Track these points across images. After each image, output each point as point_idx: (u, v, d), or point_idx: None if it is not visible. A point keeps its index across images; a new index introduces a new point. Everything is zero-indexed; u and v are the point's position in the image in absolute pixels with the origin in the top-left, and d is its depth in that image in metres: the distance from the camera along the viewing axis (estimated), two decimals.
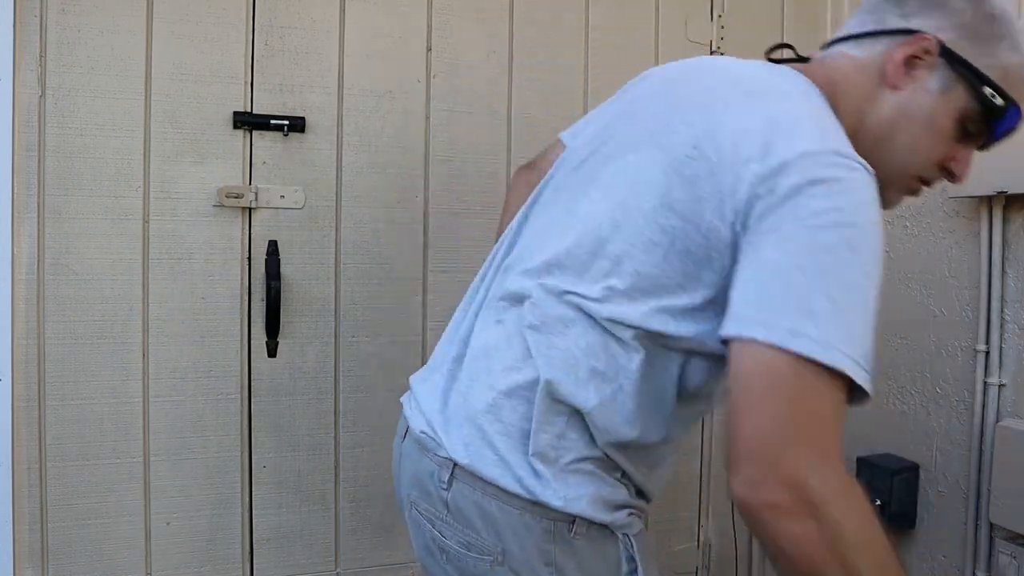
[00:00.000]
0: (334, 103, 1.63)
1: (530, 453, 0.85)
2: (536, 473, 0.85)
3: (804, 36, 2.04)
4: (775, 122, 0.78)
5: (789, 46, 0.99)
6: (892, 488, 1.78)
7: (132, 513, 1.54)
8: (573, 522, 0.86)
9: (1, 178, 1.42)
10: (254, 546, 1.63)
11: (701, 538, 2.02)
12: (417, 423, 0.97)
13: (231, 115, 1.56)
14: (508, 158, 1.77)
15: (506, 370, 0.89)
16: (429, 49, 1.70)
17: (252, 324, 1.60)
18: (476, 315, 0.98)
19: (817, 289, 0.70)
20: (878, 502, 1.80)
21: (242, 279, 1.58)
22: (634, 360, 0.85)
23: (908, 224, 1.86)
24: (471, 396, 0.90)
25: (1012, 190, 1.53)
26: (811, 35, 2.04)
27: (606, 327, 0.85)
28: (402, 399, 1.08)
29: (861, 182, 0.75)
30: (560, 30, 1.81)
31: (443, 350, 1.03)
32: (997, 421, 1.62)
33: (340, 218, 1.65)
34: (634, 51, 1.87)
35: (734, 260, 0.78)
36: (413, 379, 1.06)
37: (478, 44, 1.74)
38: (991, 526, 1.63)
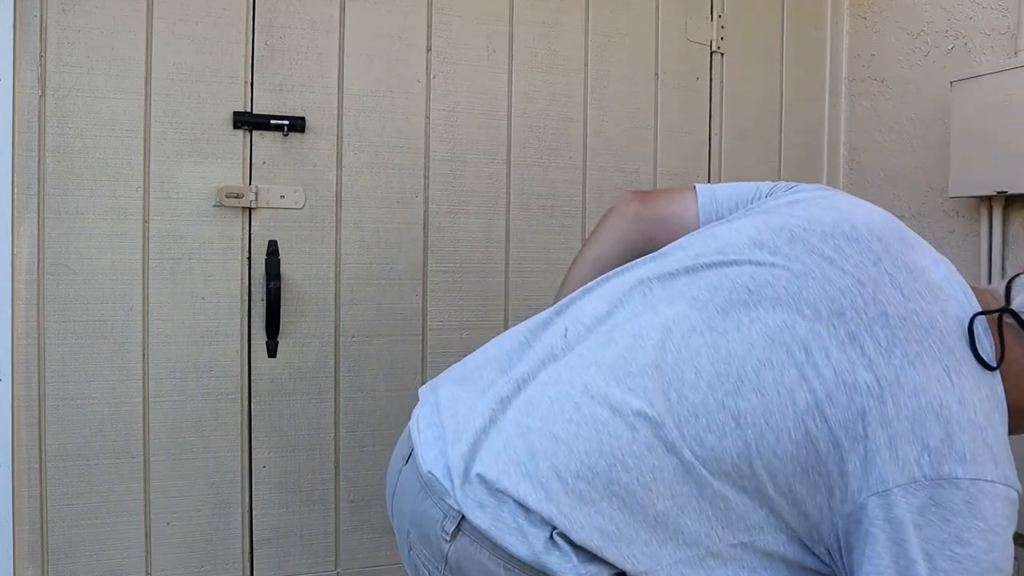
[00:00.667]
0: (334, 103, 1.63)
1: (555, 531, 0.79)
2: (555, 546, 0.79)
3: (804, 36, 2.04)
4: (965, 416, 0.75)
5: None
6: None
7: (132, 513, 1.54)
8: None
9: (1, 178, 1.42)
10: (254, 546, 1.63)
11: None
12: (427, 460, 0.87)
13: (231, 115, 1.56)
14: (508, 158, 1.77)
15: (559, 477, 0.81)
16: (429, 49, 1.70)
17: (252, 324, 1.60)
18: (543, 363, 0.88)
19: None
20: None
21: (242, 279, 1.58)
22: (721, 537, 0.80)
23: (908, 224, 1.86)
24: (503, 470, 0.81)
25: (1012, 190, 1.53)
26: (811, 35, 2.04)
27: (705, 486, 0.79)
28: (421, 396, 0.97)
29: (1013, 516, 0.75)
30: (560, 30, 1.81)
31: (490, 376, 0.91)
32: None
33: (340, 218, 1.65)
34: (634, 51, 1.87)
35: (855, 518, 0.76)
36: (442, 388, 0.95)
37: (478, 44, 1.74)
38: None
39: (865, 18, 1.99)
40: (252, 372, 1.61)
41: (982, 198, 1.64)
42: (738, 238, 0.89)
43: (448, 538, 0.82)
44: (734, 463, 0.78)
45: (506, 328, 1.52)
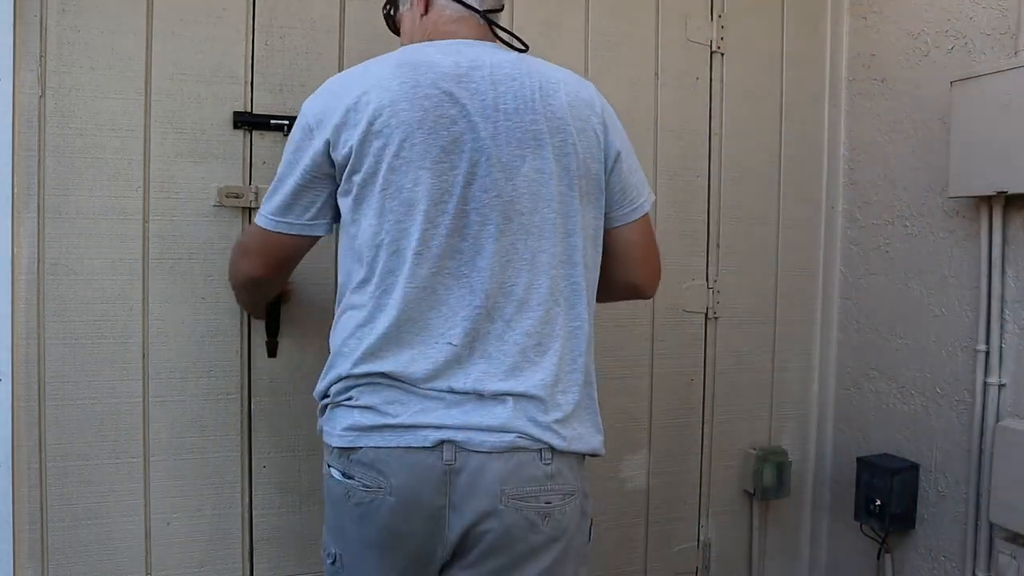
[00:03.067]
0: None
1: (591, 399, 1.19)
2: (599, 431, 1.19)
3: (804, 36, 2.04)
4: (559, 70, 1.35)
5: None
6: (892, 488, 1.78)
7: (132, 513, 1.54)
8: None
9: (1, 178, 1.42)
10: (254, 546, 1.63)
11: (701, 538, 2.02)
12: (497, 437, 1.09)
13: (231, 115, 1.56)
14: None
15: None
16: None
17: (252, 324, 1.60)
18: (478, 338, 1.13)
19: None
20: (878, 502, 1.80)
21: None
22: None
23: (908, 224, 1.86)
24: (540, 420, 1.11)
25: (1012, 190, 1.53)
26: (811, 35, 2.04)
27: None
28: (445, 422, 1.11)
29: None
30: (560, 30, 1.81)
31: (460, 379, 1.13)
32: (997, 421, 1.62)
33: None
34: (634, 51, 1.87)
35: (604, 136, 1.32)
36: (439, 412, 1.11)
37: None
38: (991, 526, 1.63)
39: (865, 18, 1.99)
40: (252, 372, 1.61)
41: (982, 198, 1.64)
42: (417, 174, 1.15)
43: (550, 461, 1.10)
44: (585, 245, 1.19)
45: None
